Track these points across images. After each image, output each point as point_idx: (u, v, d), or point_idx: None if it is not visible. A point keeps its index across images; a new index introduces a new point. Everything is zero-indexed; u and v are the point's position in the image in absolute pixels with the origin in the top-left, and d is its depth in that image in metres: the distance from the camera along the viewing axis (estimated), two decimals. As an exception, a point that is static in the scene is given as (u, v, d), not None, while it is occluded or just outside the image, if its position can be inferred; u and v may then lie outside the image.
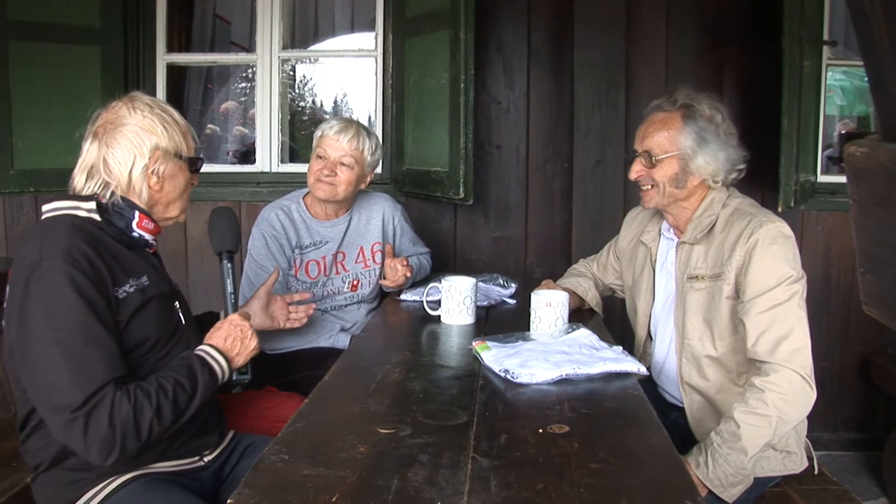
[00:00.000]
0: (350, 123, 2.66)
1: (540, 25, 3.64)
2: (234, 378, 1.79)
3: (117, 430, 1.48)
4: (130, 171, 1.71)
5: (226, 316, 1.87)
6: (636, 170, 2.12)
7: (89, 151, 1.74)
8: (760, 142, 3.39)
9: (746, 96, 3.59)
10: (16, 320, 1.54)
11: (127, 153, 1.71)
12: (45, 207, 1.71)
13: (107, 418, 1.47)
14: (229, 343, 1.77)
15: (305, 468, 1.21)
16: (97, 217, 1.68)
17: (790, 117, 3.17)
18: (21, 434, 1.70)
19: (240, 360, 1.79)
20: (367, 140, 2.65)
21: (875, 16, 0.66)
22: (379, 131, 3.80)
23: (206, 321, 1.97)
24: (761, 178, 3.40)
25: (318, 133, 2.69)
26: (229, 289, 1.92)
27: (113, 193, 1.71)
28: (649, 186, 2.11)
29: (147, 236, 1.77)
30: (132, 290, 1.64)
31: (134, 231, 1.73)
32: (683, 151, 2.04)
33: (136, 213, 1.73)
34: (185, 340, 1.77)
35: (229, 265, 1.95)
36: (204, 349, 1.73)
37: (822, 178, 3.61)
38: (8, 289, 1.59)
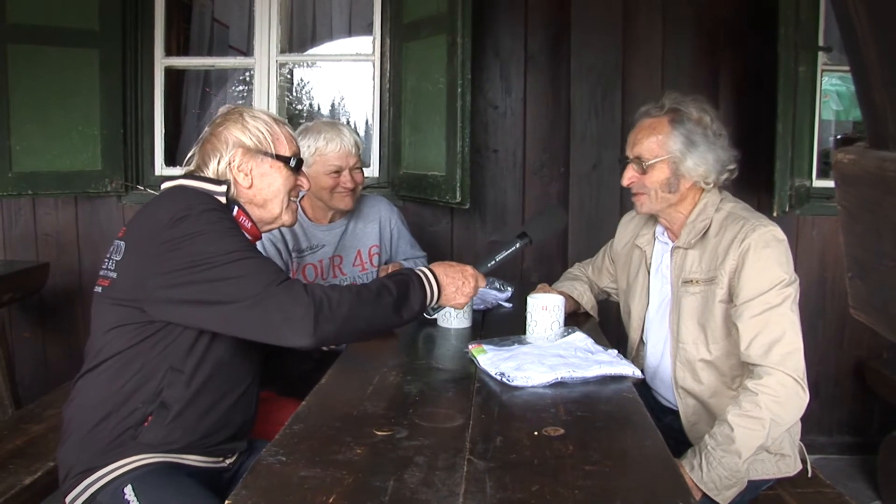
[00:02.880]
0: (340, 130, 2.65)
1: (537, 30, 3.66)
2: (426, 315, 1.97)
3: (314, 300, 1.56)
4: (217, 168, 1.81)
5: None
6: (628, 176, 2.12)
7: (193, 158, 1.87)
8: (756, 145, 3.41)
9: (743, 100, 3.60)
10: (165, 263, 1.60)
11: (215, 151, 1.82)
12: (166, 185, 1.81)
13: (301, 288, 1.57)
14: (447, 280, 1.86)
15: (302, 469, 1.22)
16: (223, 200, 1.78)
17: (785, 122, 3.19)
18: (76, 385, 1.75)
19: (445, 301, 1.88)
20: (355, 135, 2.68)
21: (860, 23, 0.67)
22: (376, 135, 3.82)
23: None
24: (757, 183, 3.42)
25: (309, 150, 2.60)
26: (498, 256, 2.07)
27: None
28: (642, 192, 2.12)
29: (246, 235, 1.81)
30: None
31: None
32: (673, 155, 2.04)
33: (235, 208, 1.81)
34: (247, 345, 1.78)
35: (517, 246, 2.09)
36: (423, 270, 1.85)
37: (818, 183, 3.63)
38: (123, 244, 1.69)
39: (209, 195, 1.75)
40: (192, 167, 1.86)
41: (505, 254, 2.07)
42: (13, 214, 3.77)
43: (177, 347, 1.68)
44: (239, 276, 1.56)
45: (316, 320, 1.54)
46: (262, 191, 1.85)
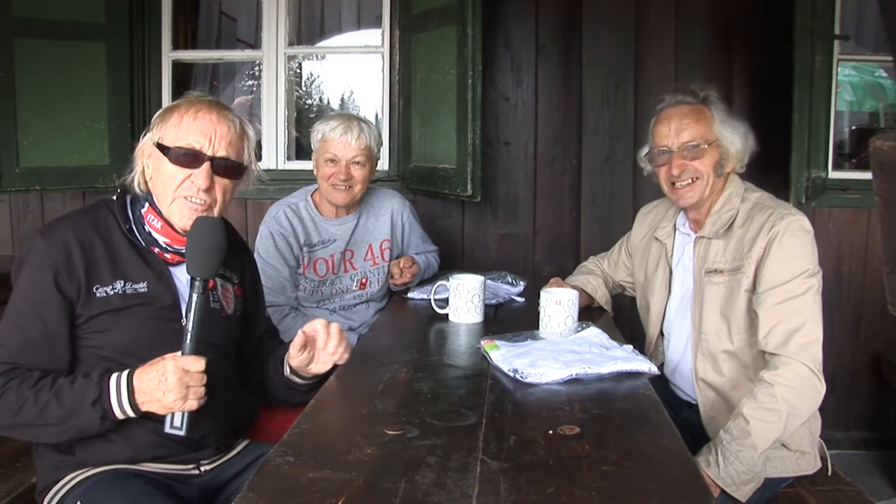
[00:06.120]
0: (350, 120, 2.62)
1: (548, 21, 3.62)
2: (167, 430, 1.56)
3: None
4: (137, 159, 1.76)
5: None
6: (678, 164, 2.09)
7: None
8: (771, 138, 3.35)
9: (756, 91, 3.56)
10: None
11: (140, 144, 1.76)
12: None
13: None
14: (145, 384, 1.53)
15: (311, 471, 1.18)
16: (116, 205, 1.73)
17: (801, 113, 3.14)
18: None
19: (147, 408, 1.54)
20: (371, 133, 2.63)
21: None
22: (386, 128, 3.79)
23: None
24: (772, 175, 3.36)
25: (317, 135, 2.64)
26: (189, 320, 1.57)
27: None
28: (690, 180, 2.08)
29: (159, 238, 1.71)
30: (115, 291, 1.63)
31: (145, 226, 1.72)
32: (721, 136, 2.08)
33: (147, 204, 1.74)
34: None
35: (195, 296, 1.57)
36: (120, 381, 1.54)
37: (833, 174, 3.57)
38: None
39: (97, 214, 1.72)
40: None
41: (192, 314, 1.57)
42: (21, 210, 3.77)
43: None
44: None
45: None
46: (156, 186, 1.72)
